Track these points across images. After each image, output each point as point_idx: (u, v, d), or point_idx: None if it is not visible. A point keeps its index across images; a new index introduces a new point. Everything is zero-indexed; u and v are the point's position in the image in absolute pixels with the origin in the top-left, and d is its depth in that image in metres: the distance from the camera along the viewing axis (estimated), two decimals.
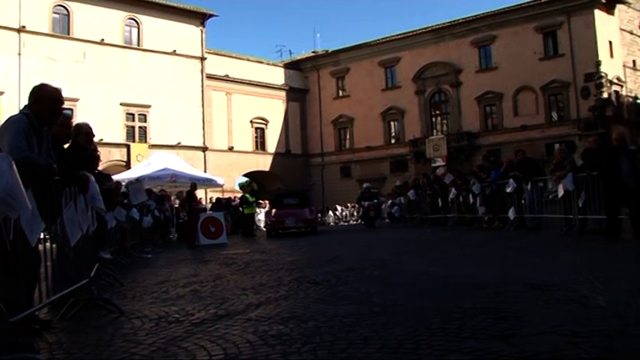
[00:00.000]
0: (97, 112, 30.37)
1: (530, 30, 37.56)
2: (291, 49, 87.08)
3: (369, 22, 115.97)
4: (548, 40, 37.31)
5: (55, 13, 32.16)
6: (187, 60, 37.58)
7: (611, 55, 36.68)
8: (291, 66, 48.38)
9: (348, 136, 46.97)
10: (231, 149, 41.35)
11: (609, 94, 35.17)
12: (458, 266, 7.03)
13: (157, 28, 36.04)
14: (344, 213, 37.45)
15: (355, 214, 34.68)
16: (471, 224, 15.90)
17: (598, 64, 34.31)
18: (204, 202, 26.42)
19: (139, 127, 35.07)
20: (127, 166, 31.40)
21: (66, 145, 5.90)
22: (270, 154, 44.62)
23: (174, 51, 36.75)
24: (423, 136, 41.68)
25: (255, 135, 43.78)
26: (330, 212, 38.42)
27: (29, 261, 3.88)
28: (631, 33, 39.87)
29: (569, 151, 14.86)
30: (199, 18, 38.85)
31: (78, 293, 4.89)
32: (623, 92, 37.90)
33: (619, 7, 38.23)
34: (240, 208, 22.46)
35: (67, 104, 25.22)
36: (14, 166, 3.26)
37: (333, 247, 12.36)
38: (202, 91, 38.21)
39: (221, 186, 24.98)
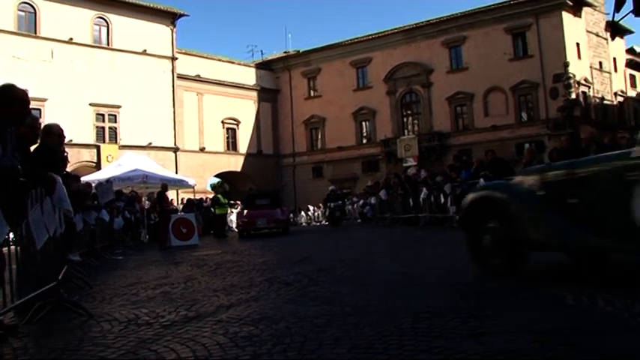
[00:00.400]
0: (66, 113, 29.80)
1: (500, 31, 38.04)
2: (262, 49, 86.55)
3: (341, 23, 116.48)
4: (518, 41, 37.89)
5: (20, 10, 31.42)
6: (158, 60, 37.18)
7: (579, 57, 37.41)
8: (262, 66, 48.27)
9: (319, 137, 47.00)
10: (202, 150, 41.11)
11: (577, 95, 35.78)
12: (429, 266, 7.06)
13: (126, 28, 35.56)
14: (316, 213, 37.38)
15: (320, 215, 34.93)
16: (442, 224, 15.97)
17: (566, 65, 34.84)
18: (175, 203, 26.24)
19: (109, 128, 34.61)
20: (97, 167, 30.97)
21: (33, 147, 5.81)
22: (241, 154, 44.49)
23: (145, 51, 36.33)
24: (394, 136, 41.87)
25: (226, 135, 43.62)
26: (302, 212, 38.36)
27: None
28: (597, 35, 40.67)
29: (538, 151, 15.08)
30: (170, 17, 38.43)
31: (45, 296, 4.80)
32: (591, 93, 38.67)
33: (585, 10, 38.99)
34: (212, 209, 22.39)
35: (34, 104, 25.04)
36: None
37: (305, 248, 12.36)
38: (173, 91, 37.85)
39: (192, 187, 24.80)
